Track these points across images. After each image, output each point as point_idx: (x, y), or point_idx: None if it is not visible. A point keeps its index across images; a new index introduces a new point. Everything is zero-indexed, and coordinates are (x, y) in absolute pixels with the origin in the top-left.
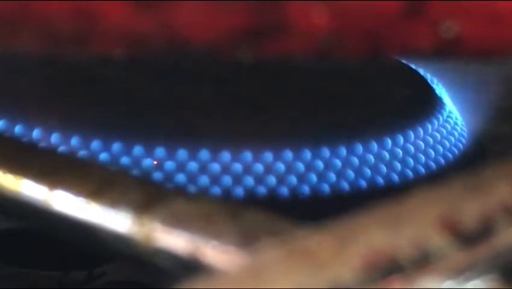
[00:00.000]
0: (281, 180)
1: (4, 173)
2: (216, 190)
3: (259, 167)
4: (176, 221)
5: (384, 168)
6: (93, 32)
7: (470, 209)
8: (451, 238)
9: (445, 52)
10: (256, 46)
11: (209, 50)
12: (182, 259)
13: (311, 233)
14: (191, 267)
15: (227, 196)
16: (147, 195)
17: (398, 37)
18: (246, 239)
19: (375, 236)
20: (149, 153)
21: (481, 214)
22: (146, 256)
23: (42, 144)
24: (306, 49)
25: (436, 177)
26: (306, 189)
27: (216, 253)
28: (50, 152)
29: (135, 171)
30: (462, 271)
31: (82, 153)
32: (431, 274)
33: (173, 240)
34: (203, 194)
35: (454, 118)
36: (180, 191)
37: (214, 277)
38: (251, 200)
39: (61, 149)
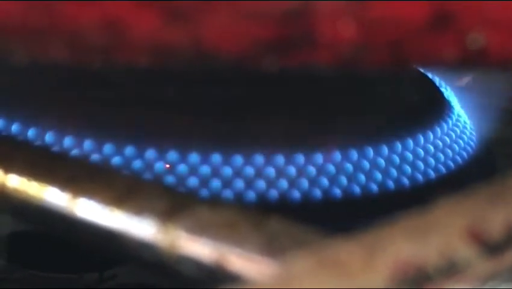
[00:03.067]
0: (293, 183)
1: (29, 180)
2: (228, 194)
3: (270, 171)
4: (201, 229)
5: (394, 172)
6: (122, 42)
7: (495, 219)
8: (477, 247)
9: (469, 63)
10: (283, 56)
11: (236, 61)
12: (207, 267)
13: (339, 242)
14: (215, 274)
15: (239, 200)
16: (172, 202)
17: (424, 47)
18: (271, 247)
19: (403, 246)
20: (162, 156)
21: (506, 223)
22: (170, 264)
23: (66, 151)
24: (332, 60)
25: (446, 180)
26: (318, 192)
27: (241, 261)
28: (75, 160)
29: (148, 175)
30: (489, 280)
31: (94, 156)
32: (458, 283)
33: (197, 248)
34: (228, 202)
35: (463, 121)
36: (204, 199)
37: (243, 286)
38: (262, 203)
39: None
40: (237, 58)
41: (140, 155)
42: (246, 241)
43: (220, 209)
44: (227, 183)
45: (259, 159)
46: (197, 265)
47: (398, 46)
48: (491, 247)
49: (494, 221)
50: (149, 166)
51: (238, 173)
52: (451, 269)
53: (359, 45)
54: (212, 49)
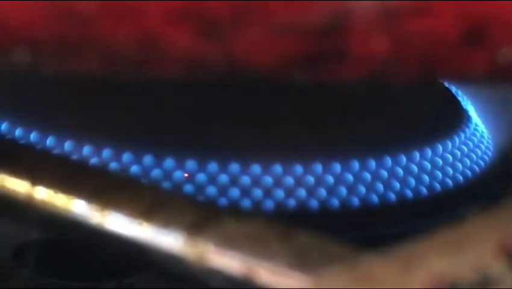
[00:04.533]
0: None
1: (56, 192)
2: (246, 203)
3: (289, 180)
4: (229, 242)
5: (412, 181)
6: (155, 57)
7: None
8: (509, 263)
9: (498, 78)
10: (315, 71)
11: (267, 76)
12: (236, 280)
13: (371, 258)
14: (244, 288)
15: (257, 209)
16: (200, 215)
17: (455, 63)
18: (300, 261)
19: (437, 262)
20: (180, 165)
21: None
22: (199, 277)
23: (91, 162)
24: (363, 75)
25: (462, 189)
26: (335, 202)
27: (269, 275)
28: (99, 171)
29: (166, 184)
30: None
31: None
32: None
33: (226, 261)
34: (256, 215)
35: (480, 131)
36: (232, 212)
37: None
38: (280, 213)
39: (111, 167)
40: (269, 72)
41: (159, 164)
42: (275, 254)
43: (248, 221)
44: (245, 192)
45: (277, 168)
46: (225, 278)
47: (429, 61)
48: None
49: None
50: (167, 175)
51: (256, 182)
52: (485, 284)
53: (391, 60)
54: (244, 64)
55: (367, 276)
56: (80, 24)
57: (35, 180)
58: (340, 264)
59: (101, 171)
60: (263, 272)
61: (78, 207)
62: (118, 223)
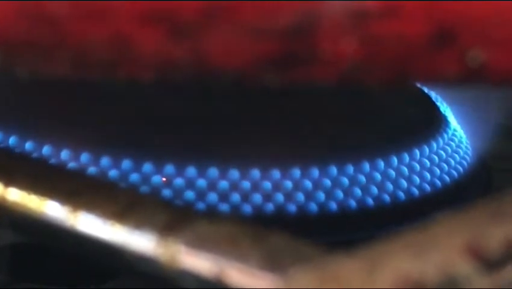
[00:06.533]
0: (289, 197)
1: (29, 194)
2: (225, 207)
3: (267, 184)
4: (201, 243)
5: (390, 186)
6: (126, 58)
7: (494, 235)
8: (476, 263)
9: (469, 80)
10: (285, 72)
11: (238, 77)
12: (207, 281)
13: (339, 258)
14: (215, 288)
15: (235, 214)
16: (172, 217)
17: (425, 65)
18: (271, 262)
19: (403, 262)
20: (159, 170)
21: (505, 239)
22: (170, 278)
23: (64, 164)
24: (334, 76)
25: (441, 194)
26: (313, 206)
27: (241, 276)
28: (75, 173)
29: (145, 188)
30: None
31: (91, 169)
32: None
33: (197, 262)
34: (229, 216)
35: (458, 136)
36: (205, 213)
37: None
38: (259, 217)
39: (74, 166)
40: (239, 73)
41: (137, 168)
42: (246, 255)
43: (220, 223)
44: (223, 196)
45: (255, 173)
46: (197, 279)
47: (399, 63)
48: (490, 263)
49: (493, 238)
50: (146, 179)
51: (234, 187)
52: (450, 285)
53: (361, 62)
54: (215, 65)
55: (334, 276)
56: (51, 25)
57: (8, 181)
58: (310, 264)
59: (76, 173)
60: (234, 273)
61: (51, 209)
62: (91, 224)
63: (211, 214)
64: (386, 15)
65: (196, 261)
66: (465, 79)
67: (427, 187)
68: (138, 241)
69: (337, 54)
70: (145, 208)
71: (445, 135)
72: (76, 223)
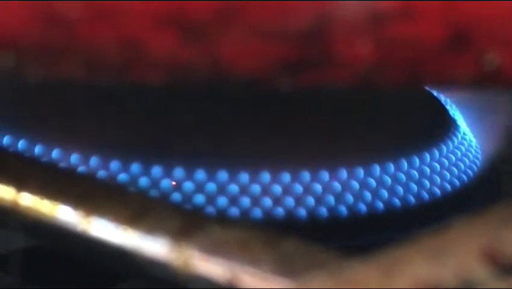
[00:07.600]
0: (299, 201)
1: (41, 198)
2: (234, 211)
3: (277, 188)
4: (214, 248)
5: (400, 190)
6: (139, 61)
7: (510, 240)
8: (493, 268)
9: (483, 84)
10: (299, 75)
11: (252, 80)
12: (220, 286)
13: (354, 263)
14: None
15: (245, 218)
16: (184, 222)
17: (439, 68)
18: (284, 267)
19: (420, 267)
20: (168, 173)
21: None
22: (183, 283)
23: (73, 168)
24: (347, 79)
25: (450, 198)
26: (324, 210)
27: (254, 280)
28: (86, 177)
29: (154, 192)
30: None
31: (101, 173)
32: None
33: (210, 267)
34: (241, 221)
35: (468, 140)
36: (216, 218)
37: None
38: (269, 221)
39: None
40: (253, 77)
41: (147, 172)
42: (259, 260)
43: (233, 228)
44: (233, 200)
45: (265, 176)
46: (210, 284)
47: (414, 66)
48: (506, 268)
49: (509, 242)
50: (155, 183)
51: (244, 191)
52: None
53: (375, 64)
54: (228, 67)
55: (350, 282)
56: (63, 28)
57: (20, 186)
58: (324, 269)
59: (87, 177)
60: (247, 278)
61: (63, 213)
62: (103, 229)
63: (223, 218)
64: (401, 17)
65: (209, 266)
66: (480, 83)
67: (437, 191)
68: (151, 246)
69: (352, 57)
70: (157, 212)
71: (455, 139)
72: (88, 227)
